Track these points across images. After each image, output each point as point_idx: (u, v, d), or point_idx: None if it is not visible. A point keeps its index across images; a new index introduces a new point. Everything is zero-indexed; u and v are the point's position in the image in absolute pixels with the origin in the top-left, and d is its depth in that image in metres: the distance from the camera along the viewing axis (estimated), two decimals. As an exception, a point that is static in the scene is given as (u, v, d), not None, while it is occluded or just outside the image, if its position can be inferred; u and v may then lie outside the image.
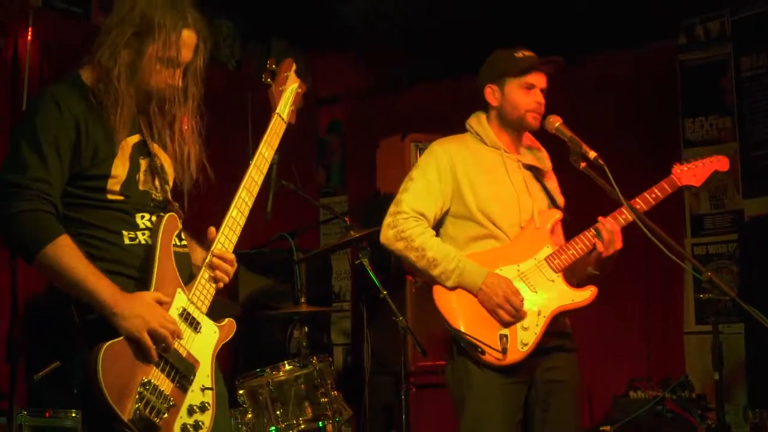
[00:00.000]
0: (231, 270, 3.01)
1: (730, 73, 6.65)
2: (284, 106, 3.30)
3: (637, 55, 6.98)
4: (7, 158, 2.79)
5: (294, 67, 3.39)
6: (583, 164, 3.67)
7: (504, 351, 3.61)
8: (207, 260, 2.96)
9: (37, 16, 5.68)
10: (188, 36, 2.97)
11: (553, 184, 4.05)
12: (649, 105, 6.89)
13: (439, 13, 7.01)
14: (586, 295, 3.74)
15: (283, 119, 3.27)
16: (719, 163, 3.97)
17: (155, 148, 3.02)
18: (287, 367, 4.87)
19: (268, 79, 3.33)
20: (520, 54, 3.89)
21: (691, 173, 3.90)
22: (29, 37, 5.59)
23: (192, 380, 2.84)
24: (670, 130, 6.84)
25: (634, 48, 6.94)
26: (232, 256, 3.02)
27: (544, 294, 3.72)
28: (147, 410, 2.65)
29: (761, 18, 6.50)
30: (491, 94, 3.93)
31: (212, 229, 3.01)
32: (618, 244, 3.73)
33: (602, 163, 3.55)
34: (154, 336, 2.71)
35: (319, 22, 7.37)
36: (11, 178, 2.72)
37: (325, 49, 8.04)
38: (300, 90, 3.37)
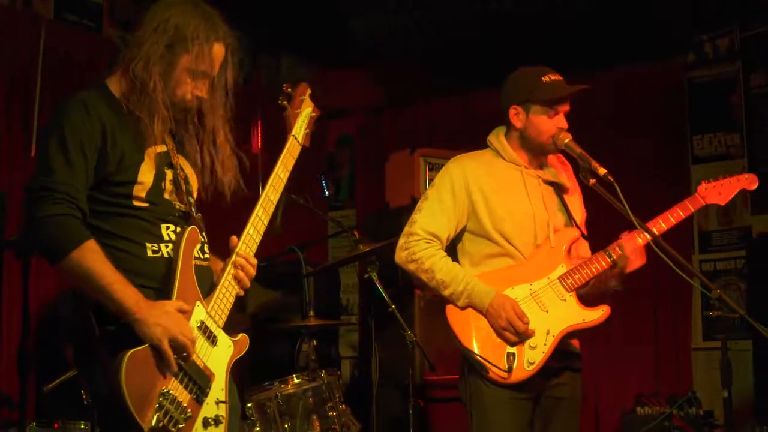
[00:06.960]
0: (252, 273, 3.05)
1: (738, 89, 6.65)
2: (299, 129, 3.33)
3: (646, 71, 6.99)
4: (38, 163, 2.85)
5: (309, 91, 3.43)
6: (592, 181, 3.67)
7: (509, 370, 3.62)
8: (232, 259, 3.00)
9: (49, 29, 5.70)
10: (218, 49, 3.03)
11: (575, 200, 4.00)
12: (658, 121, 6.90)
13: (451, 29, 7.03)
14: (597, 314, 3.72)
15: (298, 141, 3.31)
16: (747, 181, 3.90)
17: (180, 160, 3.06)
18: (296, 380, 4.89)
19: (284, 102, 3.38)
20: (547, 78, 3.79)
21: (716, 191, 3.84)
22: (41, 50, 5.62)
23: (207, 393, 2.87)
24: (679, 147, 6.86)
25: (642, 65, 6.96)
26: (255, 260, 3.06)
27: (555, 313, 3.71)
28: (166, 420, 2.68)
29: (770, 35, 6.52)
30: (515, 115, 3.85)
31: (234, 237, 3.05)
32: (642, 260, 3.71)
33: (612, 179, 3.54)
34: (175, 344, 2.74)
35: (330, 37, 7.38)
36: (41, 181, 2.77)
37: (336, 63, 8.05)
38: (314, 114, 3.41)
